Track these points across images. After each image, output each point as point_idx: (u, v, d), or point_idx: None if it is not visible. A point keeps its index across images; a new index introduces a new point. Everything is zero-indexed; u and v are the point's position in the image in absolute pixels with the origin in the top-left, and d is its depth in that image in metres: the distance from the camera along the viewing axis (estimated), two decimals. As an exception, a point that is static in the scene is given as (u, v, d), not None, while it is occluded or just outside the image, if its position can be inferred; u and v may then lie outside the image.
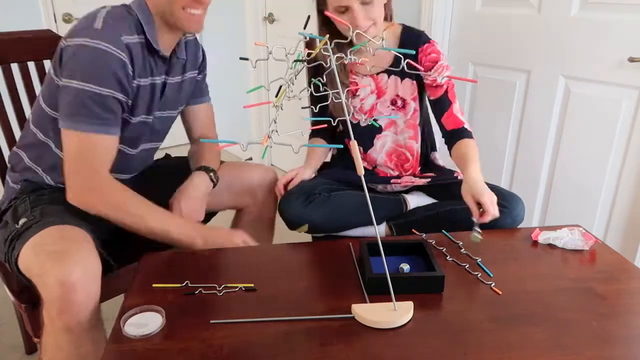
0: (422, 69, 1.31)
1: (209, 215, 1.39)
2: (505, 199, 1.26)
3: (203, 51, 1.37)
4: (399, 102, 1.40)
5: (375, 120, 1.41)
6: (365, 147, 1.46)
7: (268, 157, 3.17)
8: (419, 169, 1.49)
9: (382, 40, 0.86)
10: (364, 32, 1.21)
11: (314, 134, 1.54)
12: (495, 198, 1.15)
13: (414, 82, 1.38)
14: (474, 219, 1.14)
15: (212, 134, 1.45)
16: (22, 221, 1.06)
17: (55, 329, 0.94)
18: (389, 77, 1.38)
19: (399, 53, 1.32)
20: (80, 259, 0.94)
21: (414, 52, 1.01)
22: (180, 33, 1.18)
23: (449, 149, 1.37)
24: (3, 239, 1.07)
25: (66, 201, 1.11)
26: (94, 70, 1.03)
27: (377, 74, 1.39)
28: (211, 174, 1.29)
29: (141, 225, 1.09)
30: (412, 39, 1.37)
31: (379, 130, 1.43)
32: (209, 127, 1.43)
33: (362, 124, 1.43)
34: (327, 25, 1.34)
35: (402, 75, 1.37)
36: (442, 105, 1.37)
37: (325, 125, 1.45)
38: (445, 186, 1.39)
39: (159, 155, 1.47)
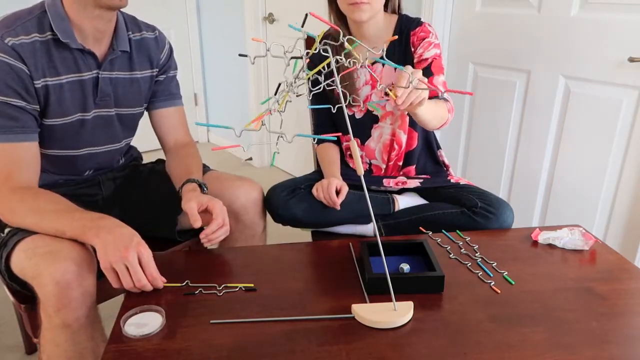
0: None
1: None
2: (492, 205, 1.27)
3: (170, 50, 1.30)
4: None
5: (369, 106, 1.39)
6: (363, 138, 1.45)
7: (268, 158, 3.17)
8: (415, 166, 1.48)
9: (383, 51, 0.86)
10: (358, 6, 1.23)
11: (321, 143, 1.49)
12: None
13: None
14: None
15: (189, 139, 1.37)
16: (7, 229, 1.05)
17: (53, 326, 0.94)
18: (383, 66, 1.37)
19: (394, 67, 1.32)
20: (74, 256, 0.94)
21: (408, 66, 1.00)
22: (107, 18, 1.09)
23: None
24: None
25: None
26: None
27: (372, 63, 1.39)
28: (205, 189, 1.20)
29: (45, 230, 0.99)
30: (406, 25, 1.36)
31: (376, 120, 1.43)
32: (184, 130, 1.36)
33: (358, 116, 1.43)
34: (336, 11, 1.34)
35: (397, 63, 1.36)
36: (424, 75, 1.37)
37: (334, 137, 1.44)
38: (436, 189, 1.40)
39: (152, 159, 1.46)
